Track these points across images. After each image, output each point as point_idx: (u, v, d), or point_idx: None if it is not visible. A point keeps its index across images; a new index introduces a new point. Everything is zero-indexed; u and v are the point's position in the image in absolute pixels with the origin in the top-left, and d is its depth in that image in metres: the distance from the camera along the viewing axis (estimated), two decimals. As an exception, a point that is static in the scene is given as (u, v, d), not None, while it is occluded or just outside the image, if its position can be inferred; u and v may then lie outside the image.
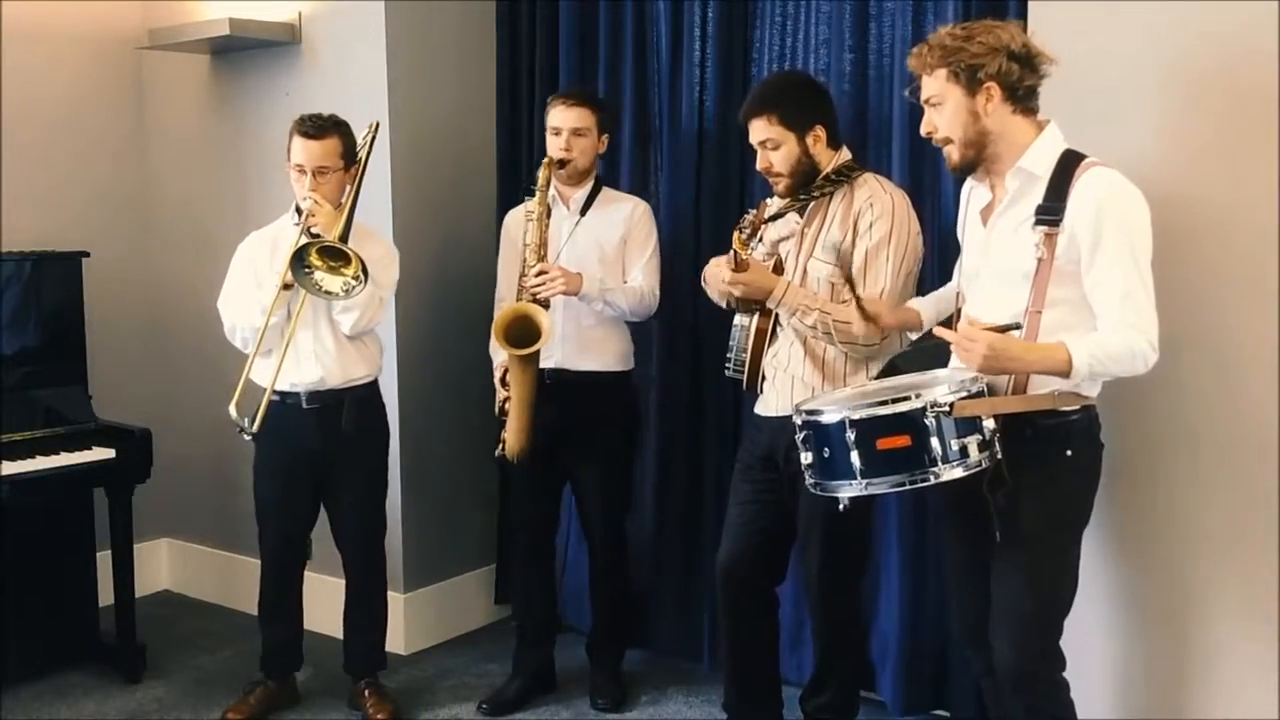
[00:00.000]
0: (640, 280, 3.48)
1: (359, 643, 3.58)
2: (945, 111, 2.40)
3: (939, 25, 3.11)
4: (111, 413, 3.93)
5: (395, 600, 3.97)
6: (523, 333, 3.27)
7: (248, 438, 3.21)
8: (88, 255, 3.99)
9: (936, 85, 2.40)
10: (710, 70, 3.67)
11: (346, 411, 3.37)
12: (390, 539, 3.91)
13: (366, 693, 3.55)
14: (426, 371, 4.01)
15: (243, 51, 4.16)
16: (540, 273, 3.30)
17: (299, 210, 3.32)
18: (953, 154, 2.44)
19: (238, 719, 3.49)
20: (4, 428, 3.59)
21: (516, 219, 3.57)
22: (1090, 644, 2.74)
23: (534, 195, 3.37)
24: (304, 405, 3.35)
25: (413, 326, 3.94)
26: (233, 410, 3.14)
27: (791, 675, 3.37)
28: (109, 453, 3.72)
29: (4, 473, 3.48)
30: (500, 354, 3.41)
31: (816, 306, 2.82)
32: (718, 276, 2.90)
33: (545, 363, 3.40)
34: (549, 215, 3.38)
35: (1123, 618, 2.78)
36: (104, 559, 3.89)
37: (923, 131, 2.47)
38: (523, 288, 3.35)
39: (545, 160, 3.39)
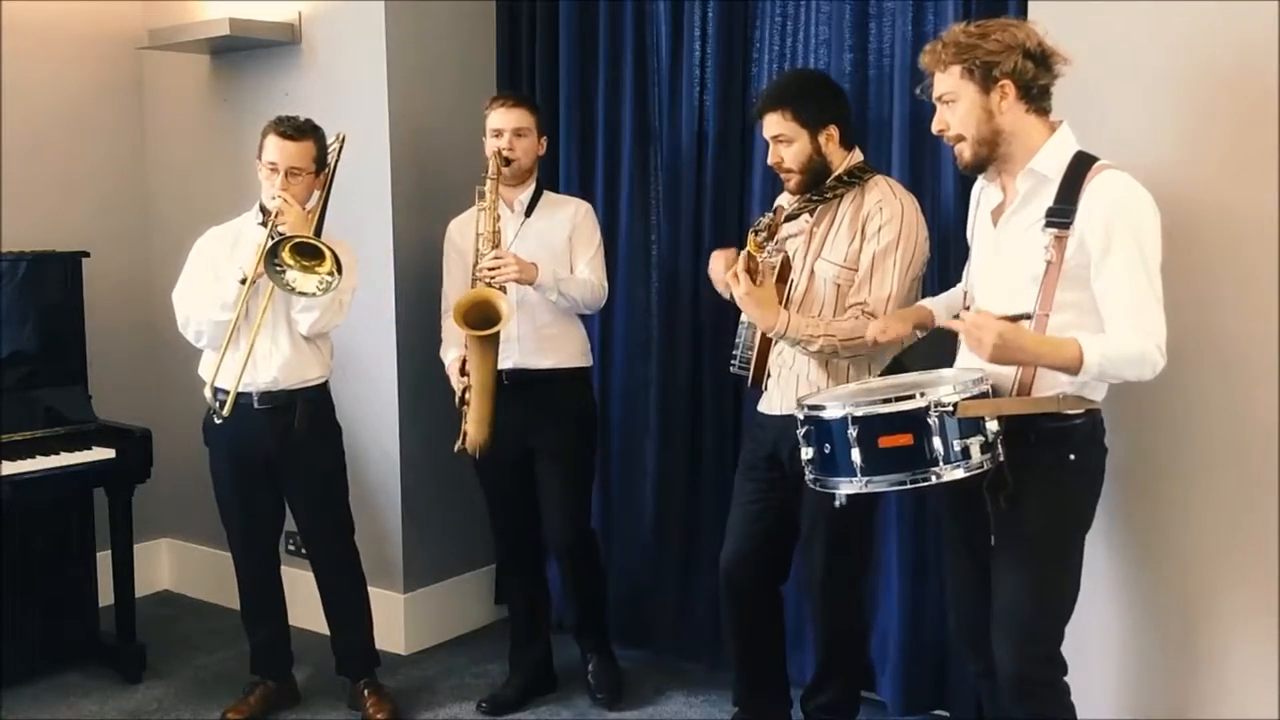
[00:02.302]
0: (588, 274, 3.49)
1: (345, 643, 3.58)
2: (959, 109, 2.38)
3: (939, 25, 3.15)
4: (111, 413, 3.93)
5: (395, 600, 3.97)
6: (481, 318, 3.26)
7: (218, 420, 3.22)
8: (88, 255, 3.99)
9: (950, 82, 2.38)
10: (710, 70, 3.66)
11: (300, 412, 3.35)
12: (390, 539, 3.92)
13: (366, 692, 3.55)
14: (427, 371, 3.99)
15: (243, 51, 4.16)
16: (495, 260, 3.29)
17: (264, 210, 3.31)
18: (964, 152, 2.42)
19: (237, 719, 3.49)
20: (4, 428, 3.59)
21: (460, 227, 3.57)
22: (1092, 646, 2.74)
23: (483, 197, 3.37)
24: (255, 406, 3.33)
25: (413, 325, 3.93)
26: (208, 393, 3.20)
27: (792, 675, 3.37)
28: (109, 453, 3.72)
29: (4, 473, 3.48)
30: (452, 351, 3.43)
31: (820, 334, 2.80)
32: (720, 272, 2.89)
33: (503, 363, 3.37)
34: (498, 198, 3.37)
35: (1124, 620, 2.78)
36: (104, 559, 3.89)
37: (934, 129, 2.45)
38: (477, 276, 3.34)
39: (491, 169, 3.38)
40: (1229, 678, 2.66)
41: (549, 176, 4.02)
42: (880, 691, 3.50)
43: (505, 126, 3.42)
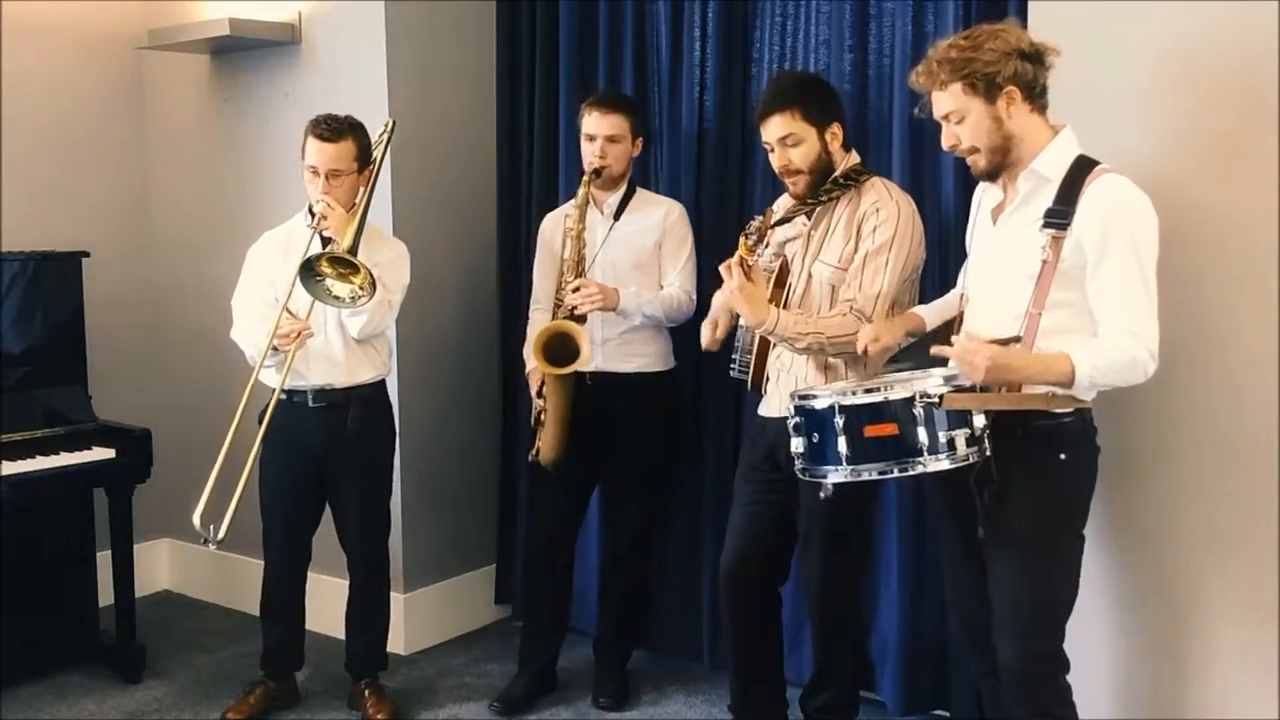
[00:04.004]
0: (675, 286, 3.48)
1: (360, 643, 3.58)
2: (968, 124, 2.37)
3: (939, 25, 3.15)
4: (111, 413, 3.93)
5: (395, 600, 3.96)
6: (560, 349, 3.29)
7: (212, 547, 3.09)
8: (88, 255, 3.99)
9: (954, 100, 2.37)
10: (710, 70, 3.66)
11: (352, 412, 3.37)
12: (390, 539, 3.91)
13: (366, 693, 3.55)
14: (427, 371, 4.01)
15: (243, 51, 4.16)
16: (577, 288, 3.32)
17: (312, 211, 3.31)
18: (979, 162, 2.42)
19: (237, 719, 3.49)
20: (4, 428, 3.59)
21: (553, 224, 3.59)
22: (1091, 645, 2.74)
23: (569, 202, 3.39)
24: (310, 404, 3.35)
25: (413, 326, 3.93)
26: (196, 520, 3.06)
27: (791, 675, 3.37)
28: (109, 453, 3.72)
29: (4, 473, 3.48)
30: (534, 361, 3.43)
31: (808, 331, 2.80)
32: (713, 320, 2.94)
33: (586, 367, 3.40)
34: (584, 226, 3.39)
35: (1124, 619, 2.78)
36: (104, 559, 3.89)
37: (945, 146, 2.44)
38: (559, 303, 3.37)
39: (585, 177, 3.40)
40: (1226, 677, 2.65)
41: (548, 177, 4.03)
42: (880, 691, 3.50)
43: (598, 133, 3.39)
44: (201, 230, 4.35)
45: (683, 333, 3.72)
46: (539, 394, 3.43)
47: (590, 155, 3.41)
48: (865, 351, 2.71)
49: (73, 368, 3.90)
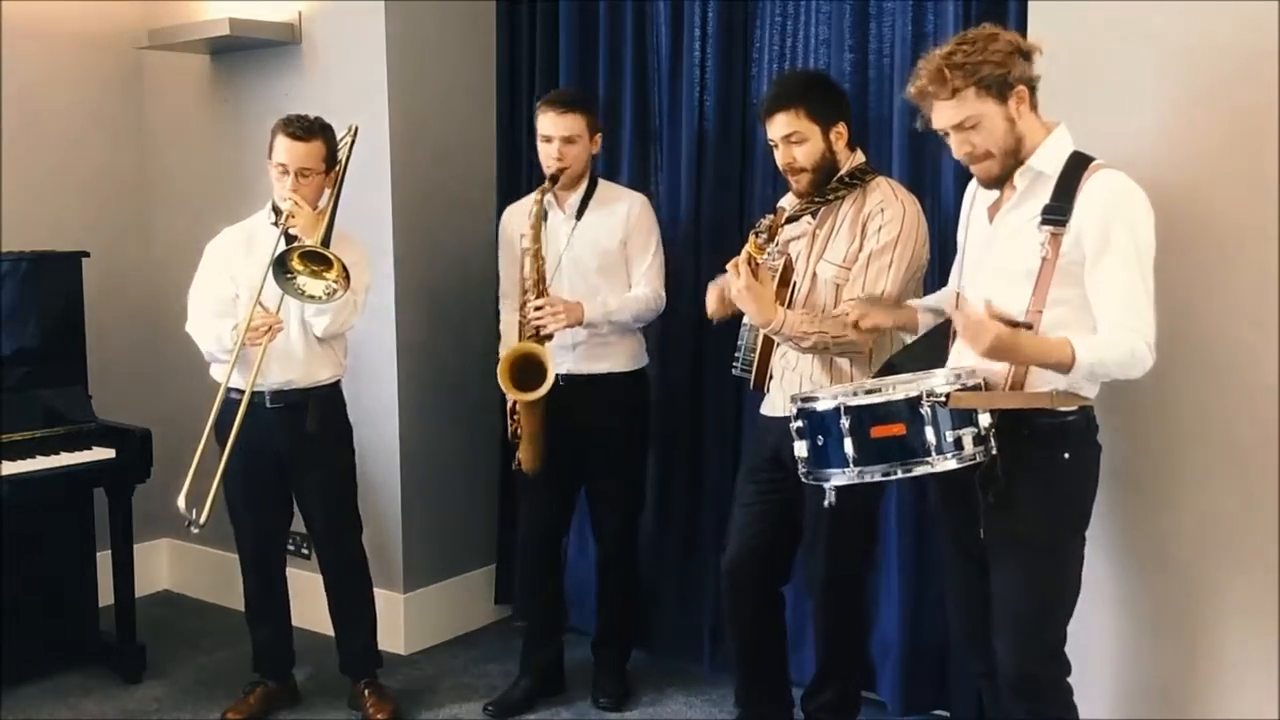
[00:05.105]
0: (643, 285, 3.46)
1: (349, 643, 3.58)
2: (982, 128, 2.33)
3: (939, 25, 3.15)
4: (111, 413, 3.93)
5: (395, 600, 3.97)
6: (527, 369, 3.29)
7: (195, 530, 3.11)
8: (88, 255, 3.99)
9: (966, 107, 2.32)
10: (710, 70, 3.67)
11: (311, 412, 3.36)
12: (390, 539, 3.92)
13: (366, 693, 3.55)
14: (426, 372, 4.01)
15: (243, 51, 4.16)
16: (540, 306, 3.29)
17: (276, 210, 3.31)
18: (993, 168, 2.38)
19: (237, 719, 3.49)
20: (4, 428, 3.59)
21: (514, 216, 3.57)
22: (1093, 646, 2.74)
23: (532, 194, 3.37)
24: (268, 405, 3.33)
25: (412, 327, 3.94)
26: (181, 502, 3.08)
27: (793, 675, 3.37)
28: (109, 453, 3.72)
29: (4, 473, 3.48)
30: (504, 389, 3.42)
31: (815, 330, 2.80)
32: (713, 302, 2.95)
33: (558, 368, 3.40)
34: (545, 225, 3.36)
35: (1125, 620, 2.78)
36: (104, 559, 3.89)
37: (957, 155, 2.40)
38: (524, 322, 3.34)
39: (540, 188, 3.36)
40: (1229, 677, 2.66)
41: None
42: (880, 691, 3.50)
43: (554, 134, 3.35)
44: (201, 230, 4.32)
45: (678, 335, 3.73)
46: (512, 414, 3.43)
47: (548, 159, 3.36)
48: (855, 326, 2.70)
49: (73, 368, 3.89)
